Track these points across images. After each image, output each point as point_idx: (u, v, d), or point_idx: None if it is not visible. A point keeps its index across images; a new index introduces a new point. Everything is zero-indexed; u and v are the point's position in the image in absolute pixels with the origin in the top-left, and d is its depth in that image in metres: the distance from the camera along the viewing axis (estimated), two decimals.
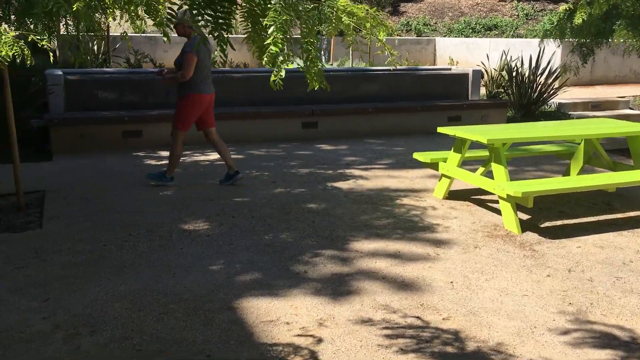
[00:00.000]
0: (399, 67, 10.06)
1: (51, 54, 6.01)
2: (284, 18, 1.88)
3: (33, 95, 7.58)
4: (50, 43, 4.66)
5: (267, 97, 8.42)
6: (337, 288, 3.68)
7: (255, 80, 8.55)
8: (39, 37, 3.26)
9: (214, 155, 7.10)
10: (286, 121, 8.24)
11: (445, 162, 5.50)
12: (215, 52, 10.09)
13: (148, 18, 2.64)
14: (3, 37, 2.06)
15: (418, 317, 3.33)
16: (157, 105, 8.00)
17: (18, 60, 2.16)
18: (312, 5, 2.90)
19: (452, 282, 3.79)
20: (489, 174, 5.40)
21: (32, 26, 3.83)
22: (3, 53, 2.01)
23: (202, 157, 7.05)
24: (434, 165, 5.66)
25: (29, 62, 2.28)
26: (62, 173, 6.27)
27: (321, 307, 3.43)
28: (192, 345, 3.00)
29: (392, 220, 4.95)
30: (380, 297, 3.58)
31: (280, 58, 1.95)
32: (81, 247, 4.26)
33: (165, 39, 2.66)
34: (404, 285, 3.74)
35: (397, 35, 18.11)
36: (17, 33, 3.06)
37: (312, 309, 3.41)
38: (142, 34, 13.91)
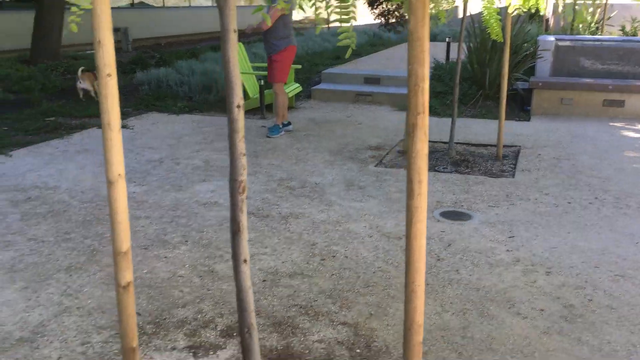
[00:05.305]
0: None
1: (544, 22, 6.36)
2: None
3: (522, 60, 8.13)
4: (546, 11, 4.98)
5: None
6: None
7: None
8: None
9: None
10: None
11: None
12: None
13: None
14: None
15: None
16: None
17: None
18: None
19: None
20: None
21: None
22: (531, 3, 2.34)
23: None
24: None
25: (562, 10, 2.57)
26: (537, 133, 6.64)
27: None
28: None
29: None
30: None
31: None
32: (546, 200, 4.54)
33: None
34: None
35: None
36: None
37: None
38: None
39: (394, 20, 18.89)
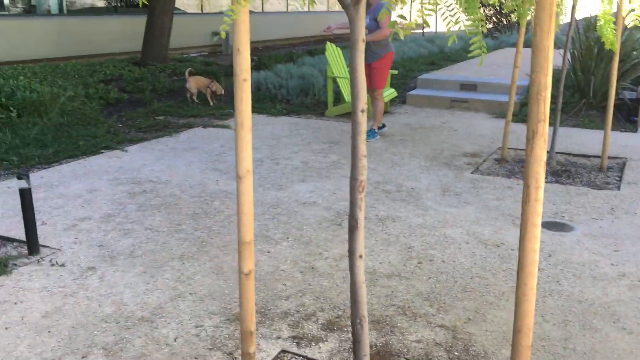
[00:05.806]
0: None
1: None
2: None
3: (631, 68, 7.78)
4: None
5: None
6: None
7: None
8: None
9: None
10: None
11: None
12: None
13: None
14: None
15: None
16: None
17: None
18: None
19: None
20: None
21: None
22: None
23: None
24: None
25: None
26: None
27: None
28: None
29: None
30: None
31: None
32: None
33: None
34: None
35: None
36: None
37: None
38: None
39: (490, 26, 18.50)
